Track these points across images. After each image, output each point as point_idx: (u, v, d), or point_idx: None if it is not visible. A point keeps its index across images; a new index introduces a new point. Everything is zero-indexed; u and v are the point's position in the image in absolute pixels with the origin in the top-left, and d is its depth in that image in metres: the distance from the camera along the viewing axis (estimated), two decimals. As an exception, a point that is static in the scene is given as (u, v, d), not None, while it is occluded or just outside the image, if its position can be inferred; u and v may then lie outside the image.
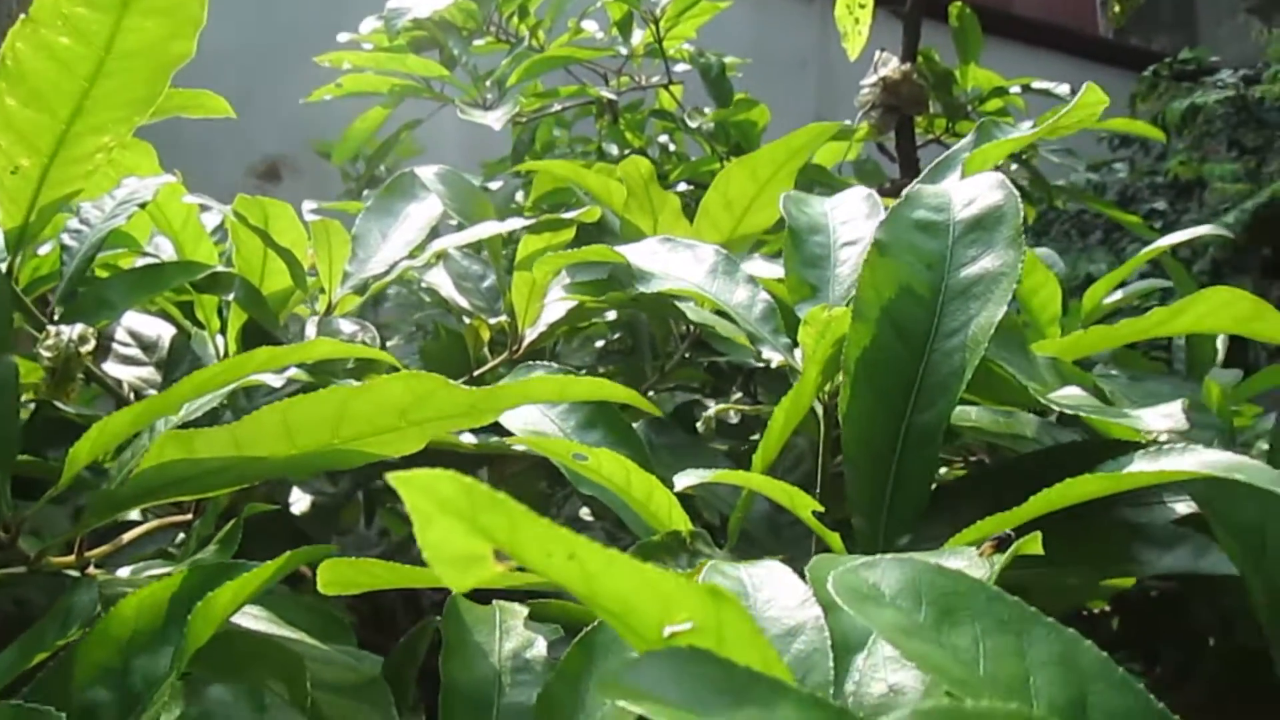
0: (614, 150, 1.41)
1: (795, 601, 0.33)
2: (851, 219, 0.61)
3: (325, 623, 0.53)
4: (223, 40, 2.97)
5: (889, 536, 0.45)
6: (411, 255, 0.82)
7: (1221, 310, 0.64)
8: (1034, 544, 0.33)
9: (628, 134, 1.38)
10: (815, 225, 0.60)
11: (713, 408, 0.62)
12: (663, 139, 1.49)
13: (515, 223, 0.78)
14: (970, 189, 0.49)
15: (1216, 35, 4.85)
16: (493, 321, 0.79)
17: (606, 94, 1.26)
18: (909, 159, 1.42)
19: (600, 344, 1.08)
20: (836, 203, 0.63)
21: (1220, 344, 1.08)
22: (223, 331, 0.82)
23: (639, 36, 1.40)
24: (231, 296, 0.77)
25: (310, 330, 0.76)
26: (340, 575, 0.46)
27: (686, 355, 0.97)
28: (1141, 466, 0.38)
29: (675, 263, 0.61)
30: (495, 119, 1.05)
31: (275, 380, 0.59)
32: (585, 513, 0.84)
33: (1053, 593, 0.70)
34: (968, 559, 0.34)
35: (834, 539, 0.42)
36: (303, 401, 0.41)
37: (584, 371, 1.09)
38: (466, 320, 0.81)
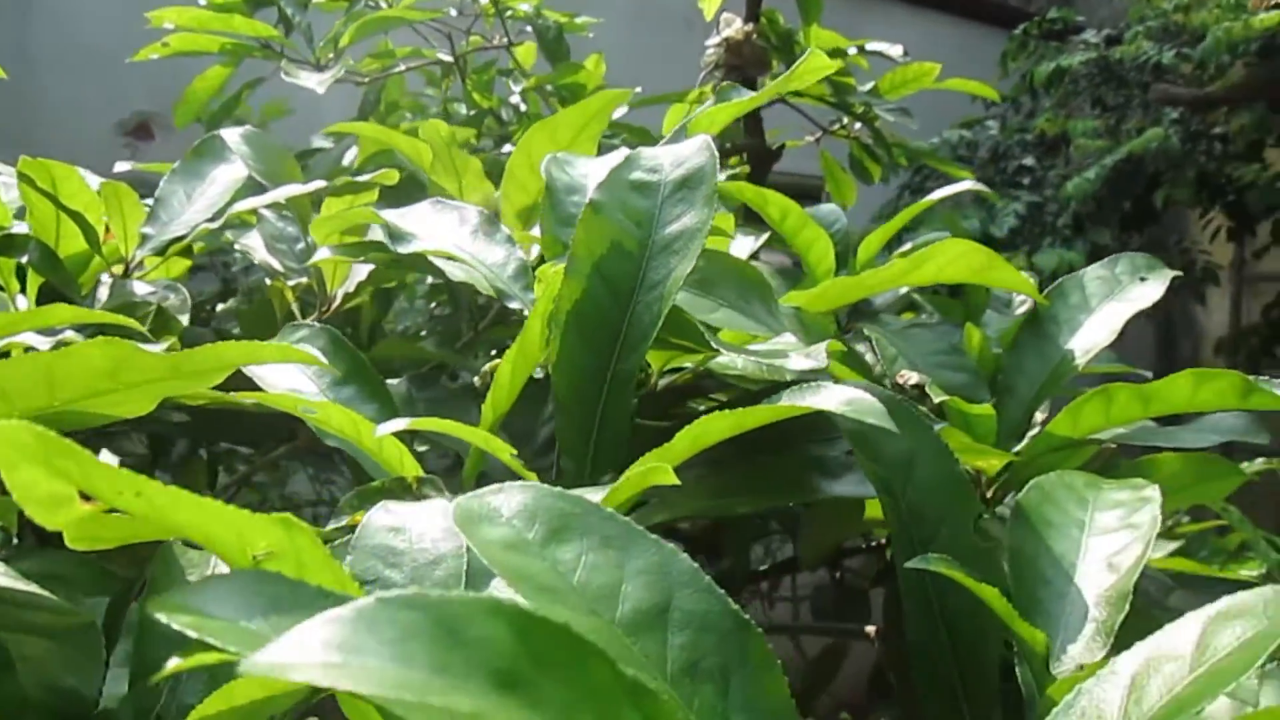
0: (462, 111, 1.42)
1: (441, 534, 0.37)
2: (611, 180, 0.64)
3: (96, 576, 0.55)
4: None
5: (594, 476, 0.48)
6: (214, 218, 0.82)
7: (959, 260, 0.70)
8: (662, 474, 0.37)
9: (475, 95, 1.38)
10: (574, 186, 0.63)
11: (487, 365, 0.65)
12: (515, 99, 1.50)
13: (315, 185, 0.80)
14: (682, 151, 0.53)
15: (1092, -4, 5.02)
16: (292, 283, 0.80)
17: (443, 55, 1.27)
18: (752, 119, 1.46)
19: (434, 306, 1.10)
20: (598, 164, 0.66)
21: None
22: (25, 294, 0.82)
23: (487, -4, 1.40)
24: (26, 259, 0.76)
25: (102, 293, 0.76)
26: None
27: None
28: (785, 402, 0.42)
29: (440, 224, 0.63)
30: (319, 81, 1.05)
31: (43, 344, 0.60)
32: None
33: (828, 524, 0.75)
34: (606, 490, 0.38)
35: (531, 477, 0.46)
36: (9, 364, 0.43)
37: (423, 332, 1.11)
38: (268, 281, 0.82)
